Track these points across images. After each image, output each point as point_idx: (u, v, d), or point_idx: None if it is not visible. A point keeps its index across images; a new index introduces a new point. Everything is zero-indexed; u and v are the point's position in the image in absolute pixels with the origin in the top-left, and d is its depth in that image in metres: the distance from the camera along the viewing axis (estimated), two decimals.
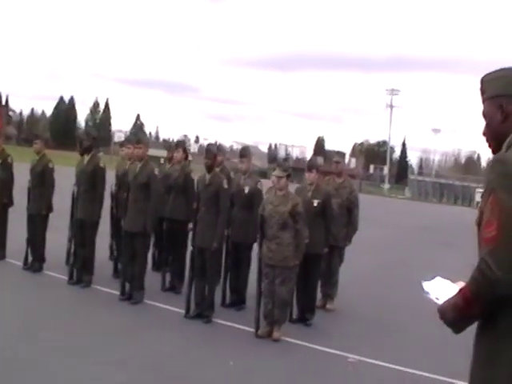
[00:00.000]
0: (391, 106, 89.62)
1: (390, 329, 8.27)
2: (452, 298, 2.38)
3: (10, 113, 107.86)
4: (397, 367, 6.57)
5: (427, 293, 2.54)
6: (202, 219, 7.61)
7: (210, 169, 7.73)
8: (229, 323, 7.59)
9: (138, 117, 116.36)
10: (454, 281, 2.57)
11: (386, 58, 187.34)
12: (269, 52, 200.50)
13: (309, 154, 78.99)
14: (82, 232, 8.74)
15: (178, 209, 8.87)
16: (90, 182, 8.69)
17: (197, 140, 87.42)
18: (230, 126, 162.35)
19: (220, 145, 8.51)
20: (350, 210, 8.80)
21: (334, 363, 6.59)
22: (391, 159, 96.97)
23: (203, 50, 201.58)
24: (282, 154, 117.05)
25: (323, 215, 7.96)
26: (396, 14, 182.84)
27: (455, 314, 2.36)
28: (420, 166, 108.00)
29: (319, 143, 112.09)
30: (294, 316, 7.89)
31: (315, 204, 7.87)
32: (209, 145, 7.89)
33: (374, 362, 6.67)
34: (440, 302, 2.44)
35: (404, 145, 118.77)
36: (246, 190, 8.25)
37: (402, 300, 10.19)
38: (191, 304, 7.66)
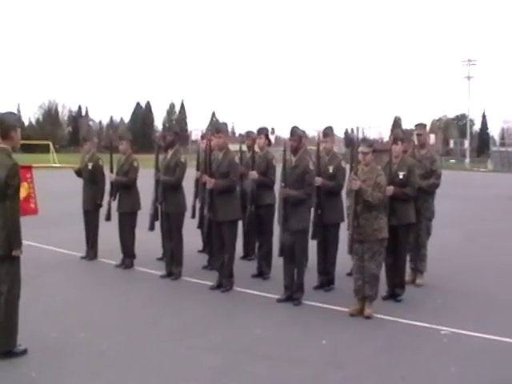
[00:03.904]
0: (469, 77, 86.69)
1: (481, 300, 8.12)
2: None
3: (90, 122, 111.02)
4: (492, 337, 6.49)
5: None
6: (288, 202, 7.60)
7: (295, 150, 7.75)
8: (319, 304, 7.65)
9: (213, 114, 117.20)
10: None
11: (459, 29, 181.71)
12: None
13: (386, 135, 77.60)
14: (169, 225, 8.93)
15: (262, 194, 8.88)
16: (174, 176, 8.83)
17: (273, 131, 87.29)
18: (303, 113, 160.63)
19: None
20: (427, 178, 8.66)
21: (428, 337, 6.54)
22: (471, 132, 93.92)
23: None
24: (359, 137, 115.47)
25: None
26: None
27: None
28: (502, 137, 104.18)
29: (396, 123, 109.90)
30: (385, 293, 7.88)
31: (400, 176, 7.84)
32: (294, 127, 7.84)
33: (467, 333, 6.61)
34: None
35: (484, 116, 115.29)
36: (331, 169, 8.25)
37: (491, 270, 10.03)
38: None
